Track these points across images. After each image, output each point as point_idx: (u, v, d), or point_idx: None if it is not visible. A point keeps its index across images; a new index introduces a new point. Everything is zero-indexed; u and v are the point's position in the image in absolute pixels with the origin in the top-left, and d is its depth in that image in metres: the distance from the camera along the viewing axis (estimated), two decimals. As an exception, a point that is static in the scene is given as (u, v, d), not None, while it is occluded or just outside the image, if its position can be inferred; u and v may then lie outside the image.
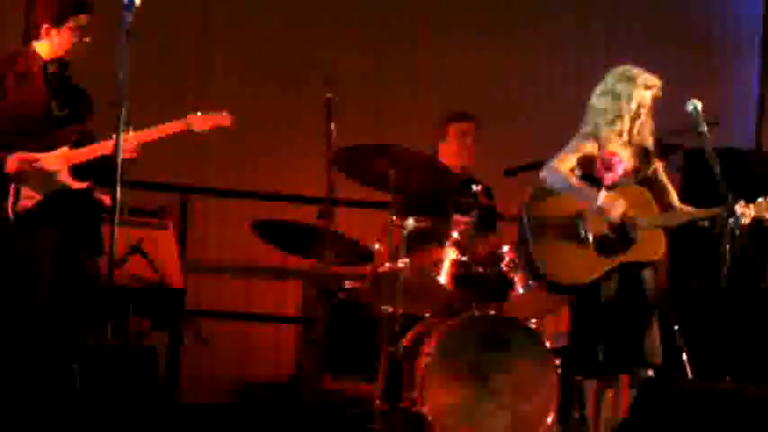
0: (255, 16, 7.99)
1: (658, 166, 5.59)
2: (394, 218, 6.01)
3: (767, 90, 8.51)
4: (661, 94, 5.54)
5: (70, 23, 5.31)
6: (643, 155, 5.54)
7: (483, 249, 6.13)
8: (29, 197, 5.24)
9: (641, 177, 5.51)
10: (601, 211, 5.37)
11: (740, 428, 4.41)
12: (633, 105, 5.49)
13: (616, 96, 5.51)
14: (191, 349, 6.88)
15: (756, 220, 5.35)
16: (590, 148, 5.50)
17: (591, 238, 5.41)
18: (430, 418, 5.70)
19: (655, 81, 5.53)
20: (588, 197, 5.39)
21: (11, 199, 5.21)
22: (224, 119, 5.53)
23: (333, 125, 5.91)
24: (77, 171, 5.32)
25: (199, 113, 5.46)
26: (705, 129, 5.35)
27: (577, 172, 5.49)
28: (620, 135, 5.49)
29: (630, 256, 5.40)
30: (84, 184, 5.30)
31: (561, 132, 8.08)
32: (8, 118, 5.26)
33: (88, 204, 5.37)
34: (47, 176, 5.25)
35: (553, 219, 5.48)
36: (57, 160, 5.26)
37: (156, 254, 6.25)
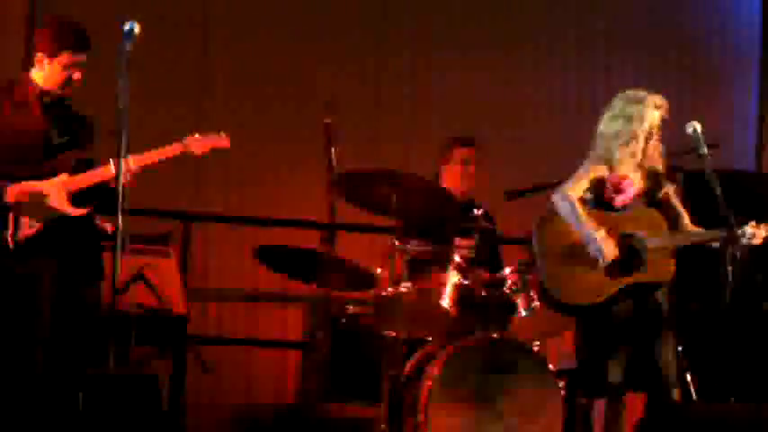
0: (255, 41, 8.01)
1: (669, 189, 5.60)
2: (396, 242, 6.01)
3: (767, 110, 8.53)
4: (667, 114, 5.56)
5: (64, 58, 5.30)
6: (653, 178, 5.55)
7: (483, 276, 6.13)
8: (29, 226, 5.24)
9: (653, 200, 5.52)
10: (595, 254, 5.39)
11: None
12: (646, 126, 5.51)
13: (628, 119, 5.53)
14: (194, 377, 6.87)
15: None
16: (601, 171, 5.54)
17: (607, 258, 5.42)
18: (434, 442, 5.68)
19: (663, 101, 5.56)
20: (587, 238, 5.41)
21: (10, 228, 5.20)
22: (222, 140, 5.53)
23: (333, 150, 5.91)
24: (77, 198, 5.32)
25: (197, 135, 5.46)
26: (705, 151, 5.37)
27: (589, 195, 5.51)
28: (634, 157, 5.50)
29: (641, 277, 5.40)
30: (83, 211, 5.30)
31: (561, 154, 8.11)
32: (6, 146, 5.25)
33: (89, 231, 5.37)
34: (45, 205, 5.25)
35: (564, 241, 5.50)
36: (56, 188, 5.26)
37: (159, 281, 6.24)
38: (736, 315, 5.19)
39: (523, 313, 6.00)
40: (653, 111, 5.54)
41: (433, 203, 6.10)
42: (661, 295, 5.49)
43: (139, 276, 6.13)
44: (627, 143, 5.52)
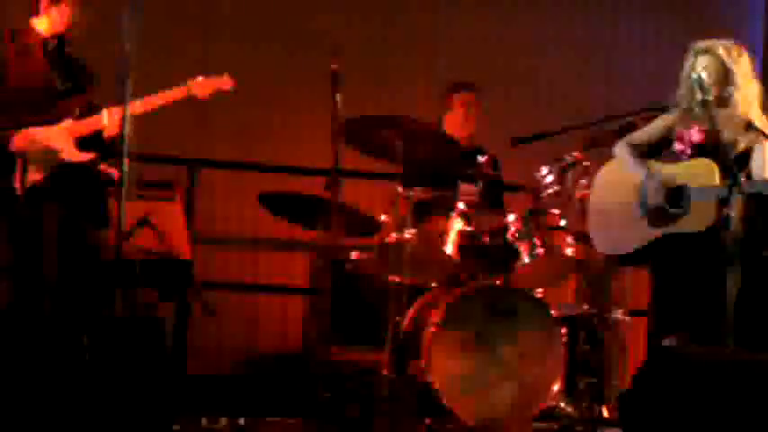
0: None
1: (757, 140, 5.45)
2: (400, 189, 6.02)
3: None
4: (723, 57, 5.49)
5: (68, 0, 5.31)
6: (738, 129, 5.46)
7: (490, 222, 6.15)
8: (36, 171, 5.25)
9: (733, 150, 5.40)
10: (645, 180, 5.45)
11: (746, 396, 4.42)
12: (695, 75, 5.42)
13: (686, 71, 5.53)
14: (198, 321, 6.90)
15: None
16: (673, 120, 5.56)
17: (646, 210, 5.44)
18: (437, 386, 5.72)
19: (700, 44, 5.53)
20: (636, 168, 5.52)
21: (18, 174, 5.22)
22: (225, 82, 5.54)
23: (338, 96, 5.91)
24: (83, 144, 5.33)
25: (199, 78, 5.46)
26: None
27: (654, 140, 5.59)
28: (701, 106, 5.43)
29: (683, 225, 5.38)
30: (89, 155, 5.31)
31: (567, 100, 8.11)
32: (12, 92, 5.27)
33: (94, 177, 5.39)
34: (51, 152, 5.26)
35: (614, 193, 5.59)
36: (61, 134, 5.27)
37: (164, 226, 6.25)
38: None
39: (526, 259, 6.02)
40: (696, 58, 5.50)
41: (438, 149, 6.12)
42: (728, 239, 5.39)
43: (145, 221, 6.15)
44: (687, 94, 5.49)
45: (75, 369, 5.08)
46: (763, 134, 5.43)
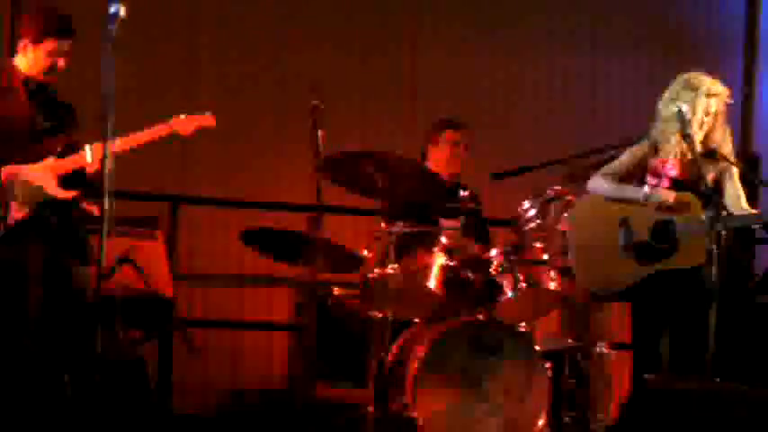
0: (242, 24, 8.00)
1: (726, 171, 5.49)
2: (382, 224, 6.02)
3: (751, 91, 8.56)
4: (729, 99, 5.51)
5: (48, 45, 5.28)
6: (710, 161, 5.45)
7: (473, 249, 6.15)
8: (17, 209, 5.24)
9: (706, 185, 5.35)
10: (648, 198, 5.40)
11: (731, 428, 4.42)
12: (699, 115, 5.44)
13: (664, 103, 5.51)
14: (182, 358, 6.88)
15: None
16: (644, 152, 5.53)
17: (632, 246, 5.41)
18: (421, 422, 5.71)
19: (719, 89, 5.49)
20: (633, 192, 5.45)
21: (0, 211, 5.21)
22: (208, 119, 5.53)
23: (320, 132, 5.91)
24: (65, 182, 5.32)
25: (182, 116, 5.46)
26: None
27: (626, 175, 5.55)
28: (685, 142, 5.40)
29: (672, 262, 5.36)
30: (71, 193, 5.30)
31: (548, 135, 8.15)
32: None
33: (77, 214, 5.37)
34: (34, 189, 5.24)
35: (595, 229, 5.54)
36: (43, 172, 5.26)
37: (146, 263, 6.24)
38: (721, 294, 5.18)
39: (509, 294, 6.02)
40: (706, 98, 5.47)
41: (420, 185, 6.12)
42: (707, 275, 5.37)
43: (126, 259, 6.13)
44: (678, 129, 5.43)
45: (58, 408, 5.05)
46: (732, 163, 5.45)
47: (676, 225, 5.33)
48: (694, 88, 5.48)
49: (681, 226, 5.32)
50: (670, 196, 5.39)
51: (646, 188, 5.45)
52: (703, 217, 5.26)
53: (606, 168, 5.62)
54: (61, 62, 5.31)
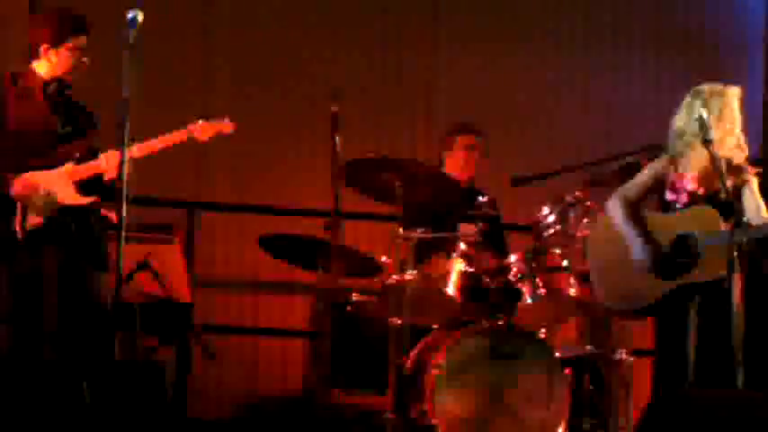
0: (258, 28, 8.00)
1: (744, 181, 5.42)
2: (401, 230, 6.00)
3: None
4: (736, 102, 5.44)
5: (68, 44, 5.32)
6: (727, 171, 5.35)
7: (489, 261, 6.13)
8: (36, 215, 5.24)
9: (726, 193, 5.25)
10: (642, 269, 5.35)
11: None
12: (695, 115, 5.34)
13: (690, 114, 5.44)
14: (199, 364, 6.87)
15: None
16: (663, 168, 5.46)
17: (651, 261, 5.37)
18: (440, 429, 5.69)
19: (719, 89, 5.45)
20: (634, 250, 5.36)
21: (18, 217, 5.21)
22: (225, 126, 5.53)
23: (338, 138, 5.90)
24: (84, 188, 5.32)
25: (200, 122, 5.46)
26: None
27: (647, 192, 5.49)
28: (698, 153, 5.39)
29: (693, 277, 5.28)
30: (89, 199, 5.30)
31: (567, 140, 8.12)
32: (12, 136, 5.26)
33: (94, 220, 5.37)
34: (50, 197, 5.25)
35: (613, 248, 5.46)
36: (61, 177, 5.26)
37: (164, 269, 6.24)
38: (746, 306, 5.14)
39: (529, 300, 6.00)
40: (692, 100, 5.45)
41: (438, 190, 6.11)
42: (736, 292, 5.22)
43: (144, 265, 6.13)
44: (690, 140, 5.40)
45: (76, 414, 5.04)
46: (748, 173, 5.41)
47: (698, 238, 5.28)
48: (699, 94, 5.44)
49: (701, 239, 5.27)
50: (651, 254, 5.33)
51: (642, 245, 5.36)
52: (723, 229, 5.21)
53: (625, 190, 5.51)
54: (85, 59, 5.34)
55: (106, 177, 5.32)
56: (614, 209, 5.50)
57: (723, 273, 5.11)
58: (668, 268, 5.33)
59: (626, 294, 5.47)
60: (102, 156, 5.31)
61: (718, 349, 5.18)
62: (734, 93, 5.48)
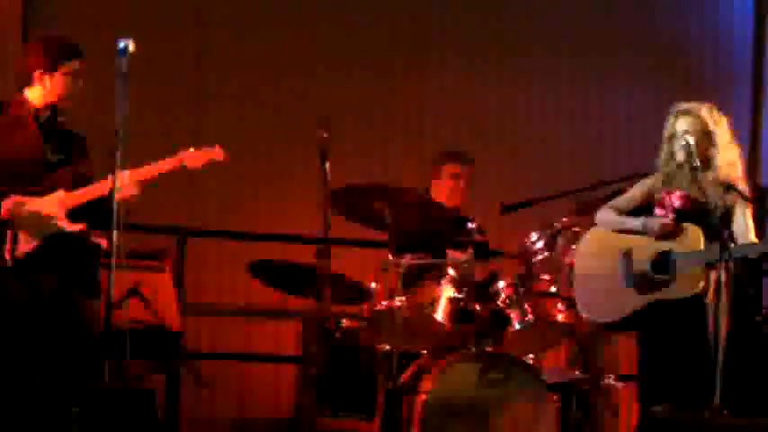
0: (249, 55, 8.04)
1: (733, 201, 5.49)
2: (390, 256, 6.03)
3: (758, 123, 8.57)
4: (706, 119, 5.51)
5: (63, 69, 5.34)
6: (715, 191, 5.46)
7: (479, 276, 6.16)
8: (27, 241, 5.25)
9: (716, 213, 5.37)
10: (646, 226, 5.47)
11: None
12: (683, 141, 5.45)
13: (667, 132, 5.57)
14: (190, 391, 6.88)
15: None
16: (651, 185, 5.60)
17: (632, 277, 5.44)
18: (429, 455, 5.70)
19: (682, 106, 5.55)
20: (633, 222, 5.52)
21: (9, 244, 5.22)
22: (217, 153, 5.54)
23: (327, 165, 5.93)
24: (75, 214, 5.33)
25: (191, 149, 5.47)
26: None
27: (635, 206, 5.61)
28: (680, 170, 5.48)
29: (670, 292, 5.38)
30: (79, 226, 5.31)
31: (555, 167, 8.15)
32: (3, 164, 5.27)
33: (85, 247, 5.38)
34: (43, 221, 5.26)
35: (598, 260, 5.60)
36: (53, 204, 5.28)
37: (154, 296, 6.25)
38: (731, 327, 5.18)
39: (517, 327, 6.02)
40: (676, 121, 5.53)
41: (427, 217, 6.13)
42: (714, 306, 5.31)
43: (134, 291, 6.14)
44: (667, 159, 5.53)
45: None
46: (743, 197, 5.45)
47: (677, 256, 5.36)
48: (670, 113, 5.56)
49: (680, 257, 5.35)
50: (668, 221, 5.42)
51: (643, 218, 5.49)
52: (702, 248, 5.27)
53: (614, 201, 5.68)
54: (80, 82, 5.37)
55: (125, 194, 5.24)
56: (605, 215, 5.67)
57: (697, 289, 5.25)
58: (646, 283, 5.40)
59: (606, 306, 5.55)
60: (110, 177, 5.26)
61: (694, 365, 5.23)
62: (690, 108, 5.54)
